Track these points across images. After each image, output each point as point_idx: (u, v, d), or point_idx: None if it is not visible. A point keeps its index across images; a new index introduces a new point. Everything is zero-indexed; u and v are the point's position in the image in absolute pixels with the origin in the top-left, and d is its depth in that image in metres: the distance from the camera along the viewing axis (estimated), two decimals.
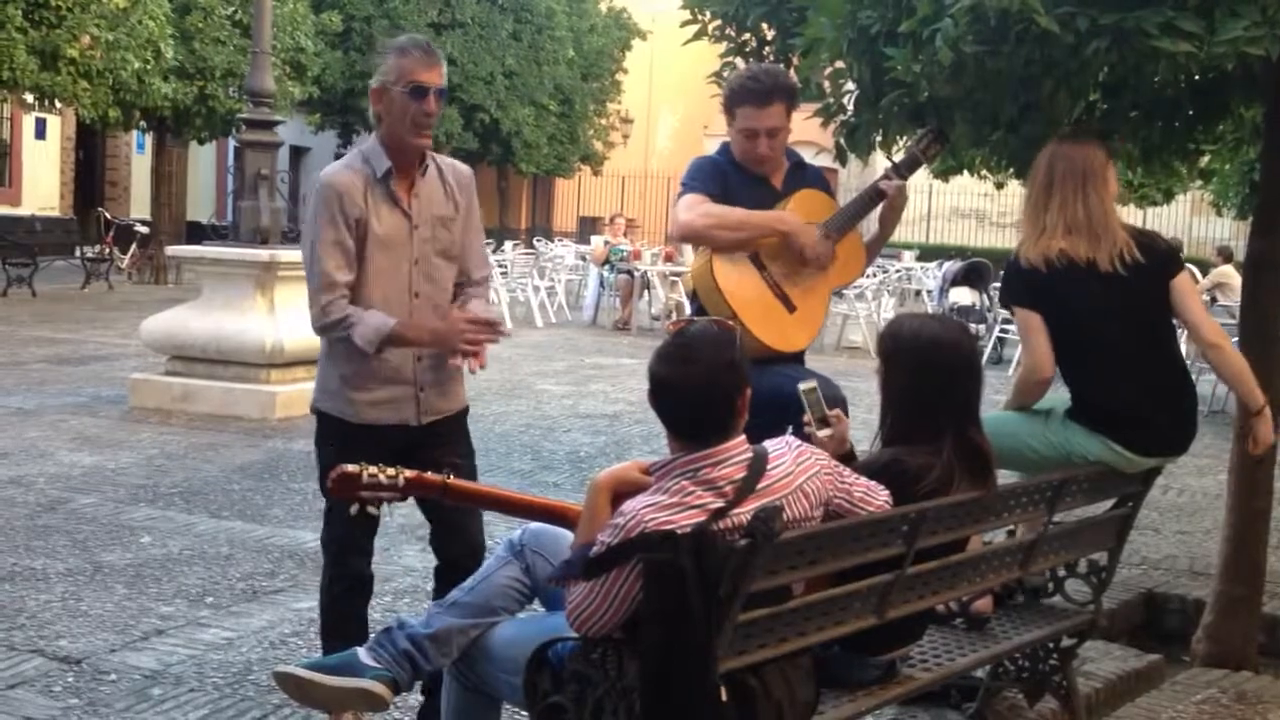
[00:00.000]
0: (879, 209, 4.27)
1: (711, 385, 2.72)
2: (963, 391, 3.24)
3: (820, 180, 4.35)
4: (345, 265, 3.52)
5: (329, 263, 3.50)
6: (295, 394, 9.43)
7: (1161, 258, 3.88)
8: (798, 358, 4.16)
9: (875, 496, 2.95)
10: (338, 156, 36.42)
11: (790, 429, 3.32)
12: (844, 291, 16.18)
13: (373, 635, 3.10)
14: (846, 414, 3.37)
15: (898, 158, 4.33)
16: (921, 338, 3.27)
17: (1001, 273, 4.05)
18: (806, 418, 3.24)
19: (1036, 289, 3.83)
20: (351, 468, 3.04)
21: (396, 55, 3.55)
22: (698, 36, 4.88)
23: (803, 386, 3.30)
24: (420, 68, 3.54)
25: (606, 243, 18.76)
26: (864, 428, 3.38)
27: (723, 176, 4.14)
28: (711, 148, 4.51)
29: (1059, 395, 3.98)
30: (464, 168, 3.78)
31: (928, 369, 3.22)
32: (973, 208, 32.80)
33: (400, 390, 3.60)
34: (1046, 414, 3.93)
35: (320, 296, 3.50)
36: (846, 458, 3.18)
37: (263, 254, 9.66)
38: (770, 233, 4.07)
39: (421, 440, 3.60)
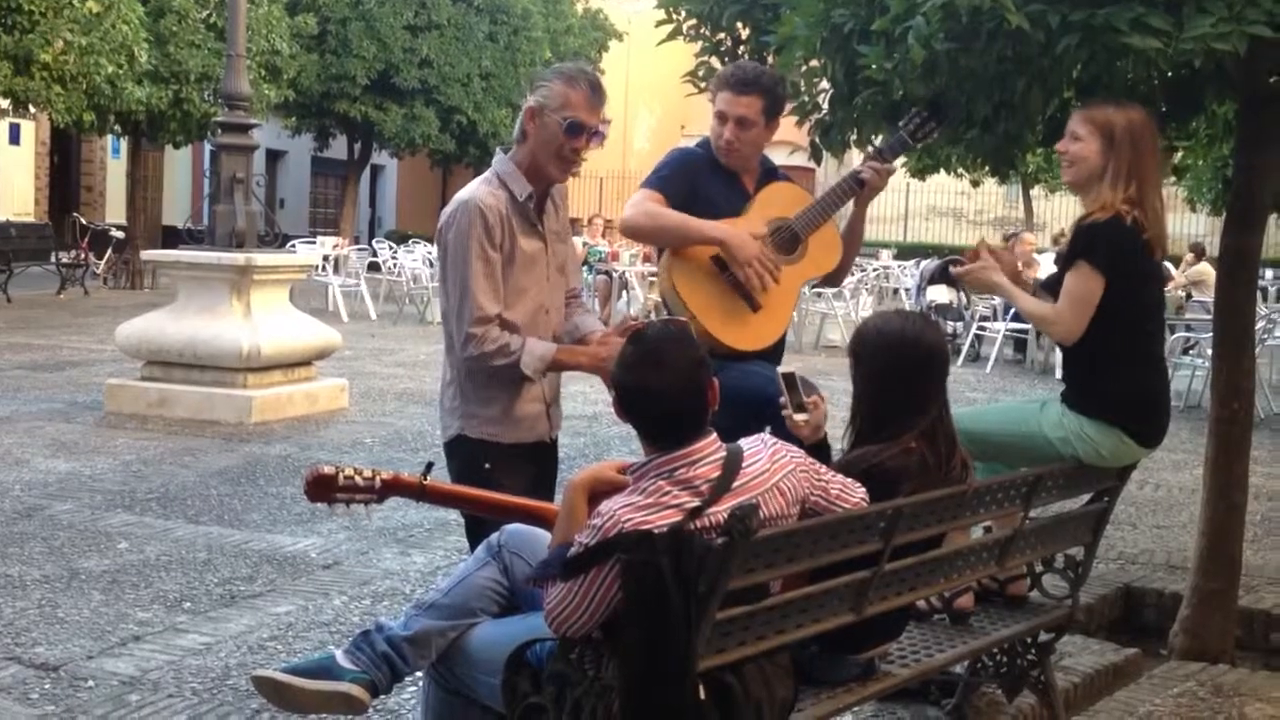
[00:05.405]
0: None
1: (686, 386, 2.73)
2: (932, 386, 3.24)
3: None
4: (495, 294, 3.44)
5: (481, 295, 3.42)
6: (272, 398, 9.41)
7: None
8: (766, 354, 4.10)
9: (852, 493, 2.96)
10: (314, 159, 35.74)
11: (769, 429, 3.32)
12: (822, 291, 16.24)
13: (351, 638, 3.09)
14: None
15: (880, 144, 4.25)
16: (886, 335, 3.28)
17: (1081, 225, 3.73)
18: (784, 399, 3.24)
19: (1130, 258, 3.69)
20: (328, 469, 3.03)
21: (564, 83, 3.47)
22: (672, 36, 4.88)
23: (783, 370, 3.31)
24: (584, 104, 3.47)
25: (585, 244, 18.72)
26: (841, 425, 3.39)
27: (692, 173, 4.12)
28: None
29: (1047, 392, 3.97)
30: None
31: (893, 366, 3.23)
32: (949, 206, 32.93)
33: (537, 408, 3.58)
34: (1041, 406, 3.88)
35: (475, 329, 3.42)
36: (819, 447, 3.18)
37: (239, 258, 9.64)
38: (707, 242, 4.00)
39: (548, 455, 3.63)
